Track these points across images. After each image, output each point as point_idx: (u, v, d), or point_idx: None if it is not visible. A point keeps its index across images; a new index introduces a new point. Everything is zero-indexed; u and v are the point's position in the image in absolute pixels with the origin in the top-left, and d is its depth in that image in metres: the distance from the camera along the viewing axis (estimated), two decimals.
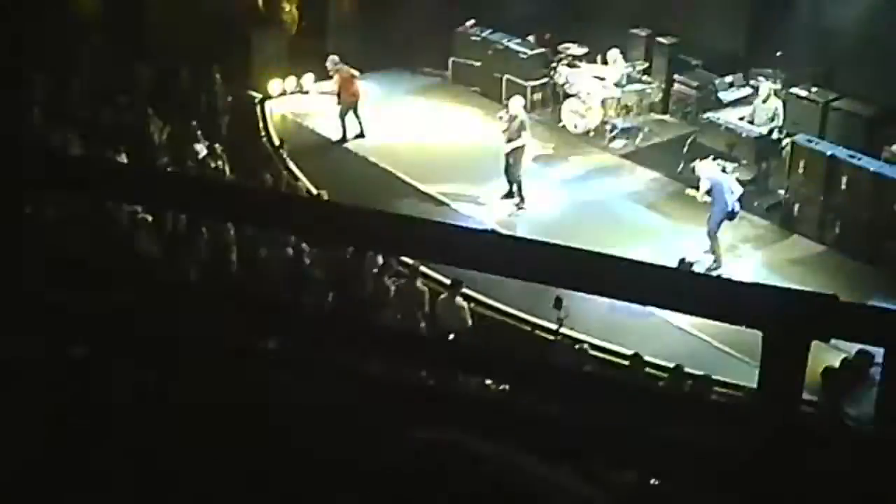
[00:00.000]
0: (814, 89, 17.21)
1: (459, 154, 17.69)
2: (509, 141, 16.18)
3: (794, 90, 17.35)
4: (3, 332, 3.62)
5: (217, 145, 15.91)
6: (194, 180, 7.98)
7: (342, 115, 17.83)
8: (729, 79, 18.39)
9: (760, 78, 17.67)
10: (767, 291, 3.29)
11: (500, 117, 16.46)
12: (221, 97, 17.65)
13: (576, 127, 18.30)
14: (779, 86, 17.45)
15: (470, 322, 13.09)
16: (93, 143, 15.22)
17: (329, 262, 13.51)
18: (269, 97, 18.67)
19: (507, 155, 16.24)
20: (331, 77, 17.89)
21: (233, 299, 4.55)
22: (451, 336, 12.51)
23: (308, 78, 18.74)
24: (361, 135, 17.97)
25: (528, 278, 3.52)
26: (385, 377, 4.18)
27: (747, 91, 18.02)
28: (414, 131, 18.41)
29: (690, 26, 19.12)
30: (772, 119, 16.82)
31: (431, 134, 18.37)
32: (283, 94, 18.83)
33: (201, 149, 15.89)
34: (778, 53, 17.56)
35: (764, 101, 16.97)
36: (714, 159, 15.77)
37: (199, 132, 16.12)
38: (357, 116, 17.89)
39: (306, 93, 18.91)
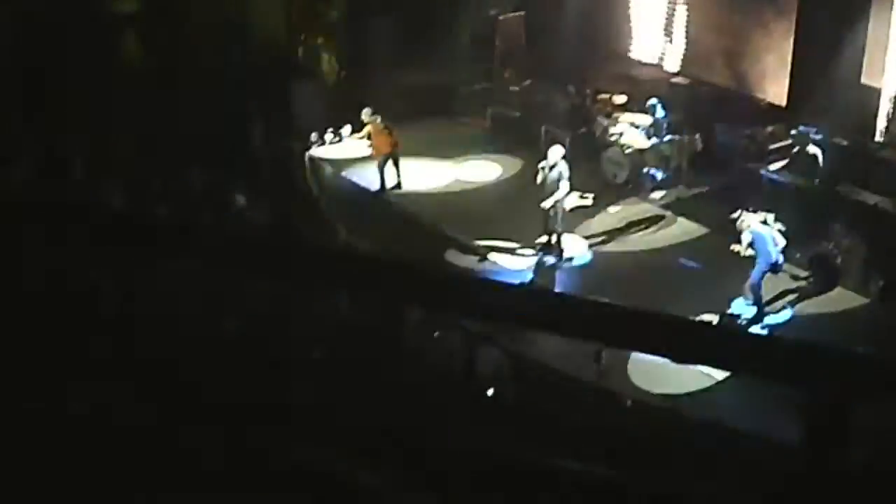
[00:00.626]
0: (855, 138, 17.06)
1: (499, 205, 17.68)
2: (549, 191, 16.16)
3: (836, 139, 17.22)
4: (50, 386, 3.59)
5: (257, 196, 16.01)
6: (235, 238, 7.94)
7: (380, 166, 17.90)
8: (770, 129, 18.27)
9: (801, 128, 17.54)
10: (809, 349, 3.21)
11: (540, 168, 16.44)
12: (262, 148, 17.76)
13: (615, 177, 18.24)
14: (820, 136, 17.33)
15: (509, 375, 12.99)
16: (135, 195, 15.38)
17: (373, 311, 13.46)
18: (309, 148, 18.77)
19: (547, 205, 16.21)
20: (368, 129, 17.99)
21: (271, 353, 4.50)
22: (491, 390, 12.42)
23: (346, 129, 18.84)
24: (399, 185, 18.01)
25: (569, 335, 3.46)
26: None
27: (788, 141, 17.88)
28: (452, 182, 18.43)
29: (731, 72, 19.06)
30: (813, 169, 16.68)
31: (470, 184, 18.38)
32: (323, 144, 18.93)
33: (241, 199, 15.99)
34: (819, 104, 17.44)
35: (804, 151, 16.84)
36: (755, 211, 15.63)
37: (239, 182, 16.25)
38: (396, 167, 17.94)
39: (344, 143, 19.01)
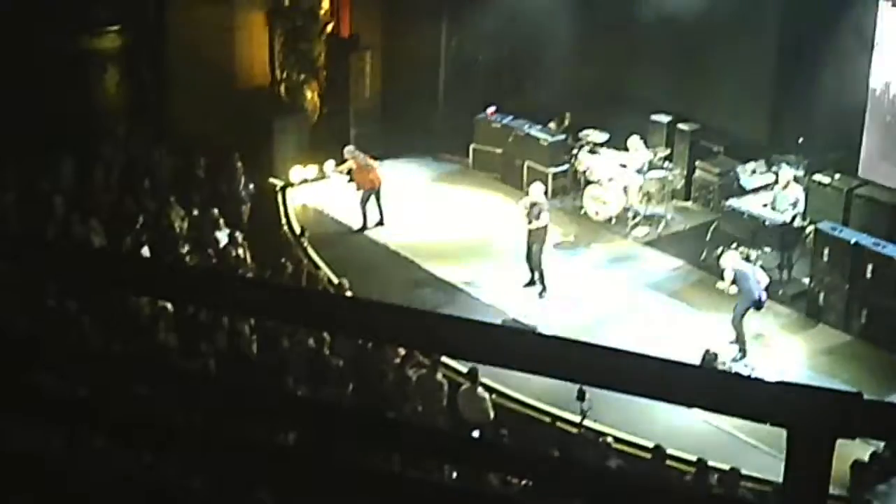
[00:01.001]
0: (836, 176, 17.14)
1: (481, 241, 17.65)
2: (531, 228, 16.14)
3: (817, 177, 17.28)
4: (19, 425, 3.53)
5: (238, 233, 15.94)
6: (207, 274, 7.89)
7: (363, 203, 17.86)
8: (751, 165, 18.32)
9: (782, 164, 17.61)
10: (791, 390, 3.20)
11: (522, 204, 16.44)
12: (243, 185, 17.69)
13: (597, 214, 18.23)
14: (801, 172, 17.41)
15: (492, 414, 12.92)
16: (114, 232, 15.30)
17: (350, 352, 13.38)
18: (291, 185, 18.72)
19: (529, 242, 16.20)
20: (349, 165, 17.96)
21: (251, 391, 4.44)
22: (473, 429, 12.33)
23: (329, 165, 18.80)
24: (382, 223, 17.97)
25: (551, 375, 3.41)
26: (406, 476, 4.07)
27: (770, 178, 17.93)
28: (435, 218, 18.41)
29: (712, 112, 19.13)
30: (794, 206, 16.74)
31: (452, 221, 18.35)
32: (305, 181, 18.89)
33: (222, 237, 15.92)
34: (799, 140, 17.56)
35: (785, 188, 16.90)
36: (738, 248, 15.65)
37: (220, 220, 16.18)
38: (378, 204, 17.91)
39: (327, 180, 18.96)
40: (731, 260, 15.04)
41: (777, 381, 3.17)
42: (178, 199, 16.56)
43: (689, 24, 18.30)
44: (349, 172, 18.00)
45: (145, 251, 14.79)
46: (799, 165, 17.54)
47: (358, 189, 17.91)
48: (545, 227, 16.25)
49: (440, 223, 18.28)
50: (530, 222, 16.14)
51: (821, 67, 17.45)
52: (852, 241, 15.54)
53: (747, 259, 15.38)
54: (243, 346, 13.00)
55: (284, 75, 19.41)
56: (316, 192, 18.82)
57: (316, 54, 19.69)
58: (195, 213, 16.49)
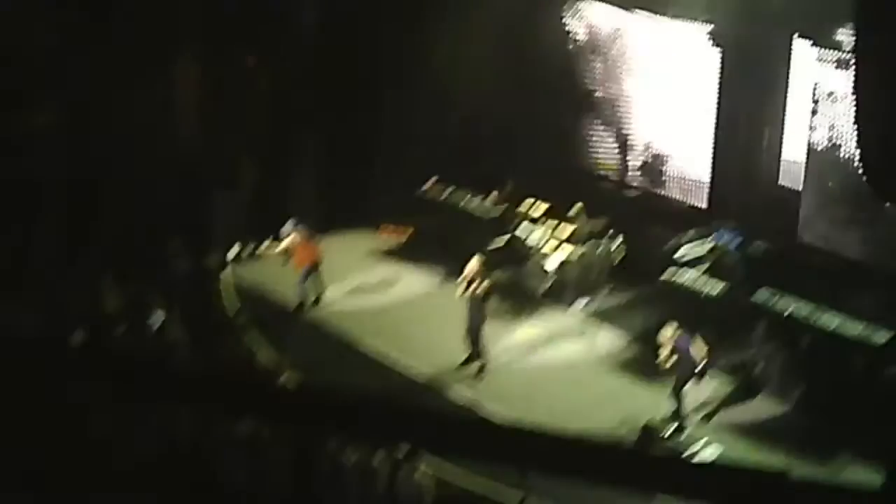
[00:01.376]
0: (773, 243, 17.28)
1: (421, 317, 17.56)
2: (471, 302, 16.10)
3: (754, 245, 17.43)
4: None
5: (175, 314, 15.75)
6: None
7: (301, 281, 17.73)
8: (688, 235, 18.44)
9: (720, 233, 17.73)
10: (718, 470, 3.30)
11: (462, 277, 16.38)
12: (180, 264, 17.52)
13: (537, 287, 18.23)
14: (739, 240, 17.54)
15: (431, 495, 12.76)
16: (49, 317, 15.07)
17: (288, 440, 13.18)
18: (228, 263, 18.57)
19: (470, 316, 16.13)
20: (289, 242, 17.84)
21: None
22: None
23: (267, 243, 18.68)
24: (320, 300, 17.85)
25: (497, 462, 3.43)
26: None
27: (707, 248, 18.04)
28: (374, 294, 18.33)
29: (651, 181, 19.28)
30: (730, 276, 16.85)
31: (392, 297, 18.28)
32: (242, 259, 18.74)
33: (158, 318, 15.73)
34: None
35: (723, 257, 17.01)
36: (676, 319, 15.69)
37: (156, 300, 16.00)
38: (316, 281, 17.80)
39: (265, 258, 18.82)
40: (669, 334, 15.08)
41: (703, 463, 3.23)
42: (115, 279, 16.36)
43: (626, 96, 18.60)
44: (288, 249, 17.87)
45: (80, 335, 14.57)
46: (735, 234, 17.67)
47: (298, 266, 17.78)
48: (486, 301, 16.20)
49: (380, 299, 18.18)
50: (471, 296, 16.09)
51: (751, 135, 17.69)
52: (789, 311, 15.65)
53: (686, 330, 15.42)
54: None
55: (223, 148, 19.35)
56: (254, 269, 18.67)
57: (257, 126, 19.67)
58: (132, 295, 16.28)
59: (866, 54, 11.25)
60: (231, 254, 18.64)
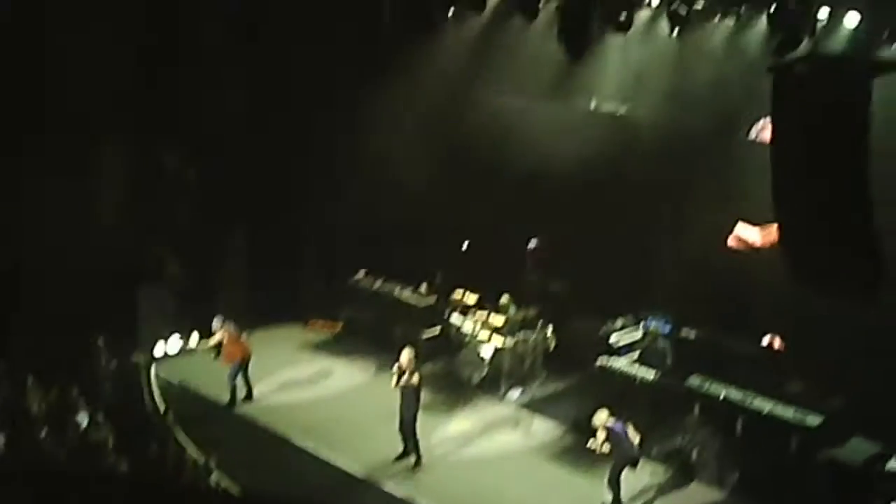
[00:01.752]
0: (703, 330, 17.40)
1: (352, 411, 17.31)
2: (403, 395, 15.93)
3: (685, 332, 17.53)
4: None
5: (100, 414, 15.33)
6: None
7: (231, 377, 17.42)
8: (620, 322, 18.53)
9: (650, 320, 17.83)
10: None
11: (394, 370, 16.20)
12: (104, 362, 17.14)
13: (471, 378, 18.13)
14: (668, 328, 17.65)
15: None
16: None
17: None
18: (154, 360, 18.21)
19: (402, 410, 15.92)
20: (217, 337, 17.54)
21: None
22: None
23: (194, 338, 18.38)
24: (250, 396, 17.53)
25: None
26: None
27: (638, 334, 18.13)
28: (305, 389, 18.06)
29: (581, 270, 19.37)
30: (661, 362, 16.91)
31: (323, 391, 18.02)
32: (169, 356, 18.40)
33: (83, 418, 15.30)
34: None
35: (653, 345, 17.09)
36: (609, 406, 15.64)
37: (80, 400, 15.59)
38: (246, 377, 17.49)
39: (192, 353, 18.51)
40: (604, 419, 15.01)
41: None
42: (37, 379, 15.92)
43: (554, 187, 18.79)
44: (217, 345, 17.57)
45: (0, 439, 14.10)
46: (666, 321, 17.78)
47: (227, 362, 17.47)
48: (418, 394, 16.02)
49: (311, 394, 17.92)
50: (403, 389, 15.90)
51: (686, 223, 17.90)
52: (722, 396, 15.69)
53: (619, 417, 15.37)
54: None
55: (149, 242, 19.12)
56: (181, 366, 18.33)
57: (183, 222, 19.50)
58: (54, 393, 15.84)
59: (781, 152, 11.63)
60: (158, 350, 18.29)
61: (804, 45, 13.72)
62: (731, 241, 17.06)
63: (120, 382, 17.09)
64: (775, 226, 11.87)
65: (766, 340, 16.88)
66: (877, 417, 14.74)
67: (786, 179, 11.89)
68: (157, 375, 17.95)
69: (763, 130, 13.29)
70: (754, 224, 16.90)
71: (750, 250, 16.62)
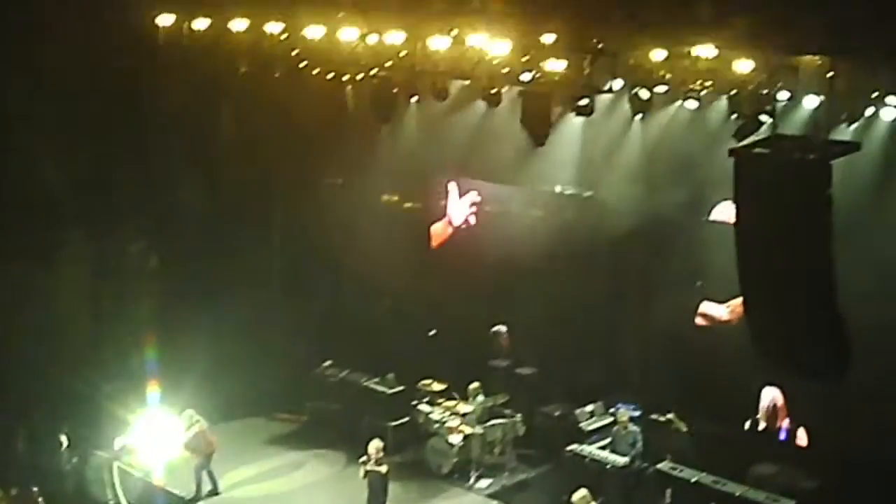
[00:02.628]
0: (671, 415, 17.27)
1: (322, 502, 17.00)
2: (371, 487, 15.67)
3: (654, 416, 17.41)
4: None
5: None
6: None
7: (198, 471, 17.09)
8: (590, 408, 18.37)
9: (619, 405, 17.69)
10: None
11: (361, 462, 15.97)
12: (66, 458, 16.81)
13: (440, 468, 17.89)
14: (637, 413, 17.52)
15: None
16: None
17: None
18: (118, 456, 17.83)
19: (372, 500, 15.70)
20: (184, 431, 17.25)
21: None
22: None
23: (158, 431, 17.98)
24: (215, 491, 17.19)
25: None
26: None
27: (608, 419, 17.97)
28: (272, 483, 17.73)
29: (549, 355, 19.27)
30: (633, 447, 16.78)
31: (291, 485, 17.69)
32: (130, 451, 18.01)
33: None
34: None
35: (623, 429, 16.96)
36: (584, 489, 15.39)
37: (40, 499, 15.25)
38: (209, 471, 17.16)
39: (157, 448, 18.12)
40: (582, 494, 14.79)
41: None
42: None
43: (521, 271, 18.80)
44: (185, 439, 17.24)
45: None
46: (636, 405, 17.66)
47: (192, 455, 17.15)
48: (386, 485, 15.81)
49: (278, 487, 17.59)
50: (371, 480, 15.70)
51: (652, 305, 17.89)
52: (693, 480, 15.55)
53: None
54: None
55: (111, 335, 18.92)
56: (144, 460, 17.95)
57: (144, 312, 19.33)
58: (13, 492, 15.50)
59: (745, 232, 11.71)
60: (118, 444, 17.92)
61: (765, 128, 13.85)
62: (698, 320, 17.07)
63: (80, 478, 16.74)
64: (740, 300, 11.89)
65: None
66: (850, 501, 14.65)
67: (750, 259, 11.94)
68: (119, 470, 17.57)
69: (725, 211, 13.36)
70: (719, 302, 16.95)
71: (718, 325, 16.62)
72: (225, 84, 18.46)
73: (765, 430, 16.79)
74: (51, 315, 18.49)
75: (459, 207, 20.54)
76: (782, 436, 16.42)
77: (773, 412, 16.37)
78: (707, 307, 17.00)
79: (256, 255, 20.48)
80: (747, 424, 16.88)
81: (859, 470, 14.78)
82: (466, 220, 20.51)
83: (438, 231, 20.79)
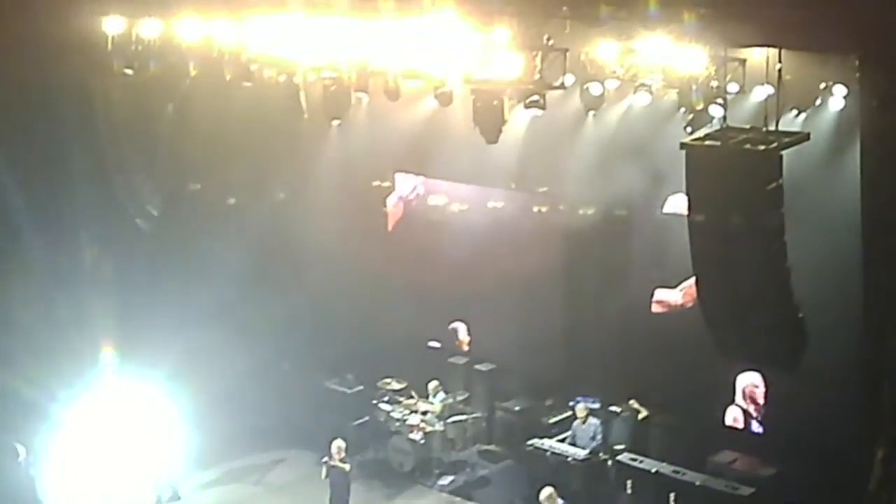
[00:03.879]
0: (633, 401, 17.37)
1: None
2: (333, 487, 15.68)
3: (613, 408, 17.52)
4: None
5: None
6: None
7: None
8: (549, 402, 18.45)
9: (579, 399, 17.76)
10: None
11: (323, 462, 15.96)
12: (23, 469, 16.56)
13: (402, 465, 17.91)
14: (597, 405, 17.62)
15: None
16: None
17: None
18: None
19: (334, 501, 15.70)
20: None
21: None
22: None
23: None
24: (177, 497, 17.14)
25: None
26: None
27: (568, 413, 18.05)
28: (233, 486, 17.69)
29: (508, 351, 19.32)
30: (593, 439, 16.88)
31: (251, 487, 17.66)
32: None
33: None
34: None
35: (583, 423, 17.05)
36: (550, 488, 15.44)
37: None
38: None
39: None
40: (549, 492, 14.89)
41: None
42: None
43: (476, 268, 18.82)
44: None
45: None
46: (594, 399, 17.75)
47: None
48: (348, 485, 15.82)
49: (238, 491, 17.55)
50: (332, 480, 15.72)
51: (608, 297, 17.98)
52: (653, 471, 15.67)
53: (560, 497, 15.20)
54: None
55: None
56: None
57: None
58: None
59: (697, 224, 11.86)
60: None
61: (715, 120, 13.96)
62: (654, 308, 17.16)
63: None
64: (692, 280, 12.02)
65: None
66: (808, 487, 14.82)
67: (703, 250, 12.08)
68: None
69: (679, 203, 13.48)
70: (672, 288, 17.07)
71: (675, 310, 16.71)
72: (175, 87, 18.38)
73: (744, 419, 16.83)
74: (3, 323, 18.28)
75: (406, 184, 20.46)
76: (758, 426, 16.54)
77: (752, 398, 16.46)
78: (661, 294, 17.12)
79: (212, 256, 20.34)
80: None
81: (815, 457, 14.98)
82: (415, 191, 20.41)
83: (391, 209, 20.69)
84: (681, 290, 16.82)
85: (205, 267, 20.04)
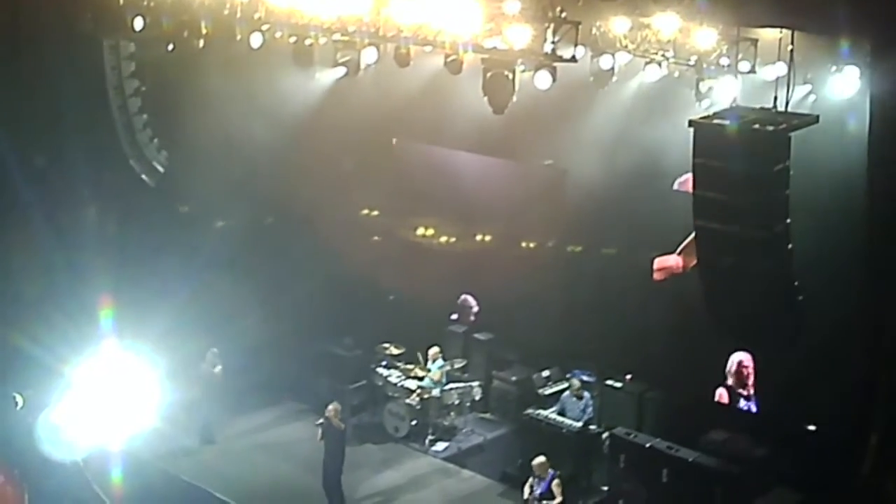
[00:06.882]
0: (628, 378, 17.46)
1: (279, 468, 17.04)
2: (327, 448, 15.85)
3: (609, 382, 17.59)
4: None
5: None
6: None
7: (206, 414, 17.46)
8: (546, 373, 18.53)
9: (575, 372, 17.83)
10: None
11: (319, 423, 16.05)
12: (22, 419, 16.63)
13: (397, 430, 18.02)
14: (593, 378, 17.68)
15: None
16: None
17: None
18: None
19: (325, 464, 15.87)
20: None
21: None
22: None
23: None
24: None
25: None
26: None
27: (565, 384, 18.12)
28: (232, 443, 17.76)
29: (507, 321, 19.37)
30: (587, 412, 16.95)
31: (253, 445, 17.75)
32: None
33: None
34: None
35: (575, 396, 17.12)
36: (538, 455, 15.54)
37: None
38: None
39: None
40: (540, 467, 14.99)
41: None
42: None
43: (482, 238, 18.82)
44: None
45: None
46: (590, 372, 17.81)
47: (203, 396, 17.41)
48: (342, 447, 15.93)
49: (239, 446, 17.61)
50: (327, 441, 15.82)
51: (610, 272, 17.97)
52: (647, 446, 15.73)
53: (551, 467, 15.29)
54: None
55: None
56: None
57: None
58: None
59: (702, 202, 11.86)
60: None
61: (724, 99, 13.95)
62: (656, 276, 17.07)
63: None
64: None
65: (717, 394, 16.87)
66: (799, 467, 14.89)
67: (707, 229, 12.10)
68: None
69: (686, 182, 13.44)
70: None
71: (676, 275, 16.65)
72: (186, 47, 18.31)
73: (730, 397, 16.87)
74: (4, 277, 18.33)
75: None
76: (745, 404, 16.58)
77: (739, 377, 16.49)
78: (660, 261, 17.04)
79: (214, 217, 20.35)
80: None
81: (808, 439, 15.05)
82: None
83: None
84: (678, 254, 16.74)
85: (206, 227, 20.08)
